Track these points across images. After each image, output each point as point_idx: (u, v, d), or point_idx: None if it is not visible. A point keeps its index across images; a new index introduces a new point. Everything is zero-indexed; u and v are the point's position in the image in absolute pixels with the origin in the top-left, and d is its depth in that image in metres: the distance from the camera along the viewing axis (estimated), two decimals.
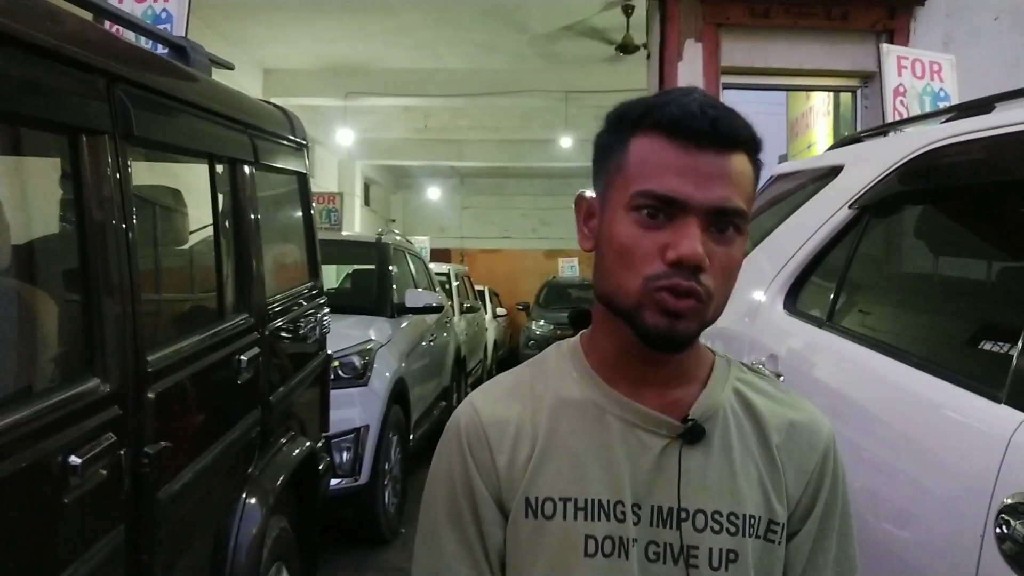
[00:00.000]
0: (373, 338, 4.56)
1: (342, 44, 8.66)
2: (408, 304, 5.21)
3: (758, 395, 0.91)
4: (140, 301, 1.52)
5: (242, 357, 2.11)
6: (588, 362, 0.90)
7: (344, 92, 9.40)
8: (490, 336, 11.97)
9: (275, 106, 2.83)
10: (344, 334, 4.51)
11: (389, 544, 4.39)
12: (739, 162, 0.80)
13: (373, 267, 5.54)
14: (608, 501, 0.84)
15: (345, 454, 4.05)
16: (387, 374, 4.52)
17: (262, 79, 9.22)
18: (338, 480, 3.99)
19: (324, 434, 3.40)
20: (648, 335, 0.81)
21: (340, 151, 13.23)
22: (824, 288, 2.39)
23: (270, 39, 8.56)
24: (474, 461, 0.87)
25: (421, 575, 0.90)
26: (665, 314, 0.79)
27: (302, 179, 3.01)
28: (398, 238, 6.71)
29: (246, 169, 2.26)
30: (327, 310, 3.26)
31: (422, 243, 13.43)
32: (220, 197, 2.12)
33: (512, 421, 0.88)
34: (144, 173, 1.78)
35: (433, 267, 8.88)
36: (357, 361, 4.25)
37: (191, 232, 2.05)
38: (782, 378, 2.25)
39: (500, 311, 13.76)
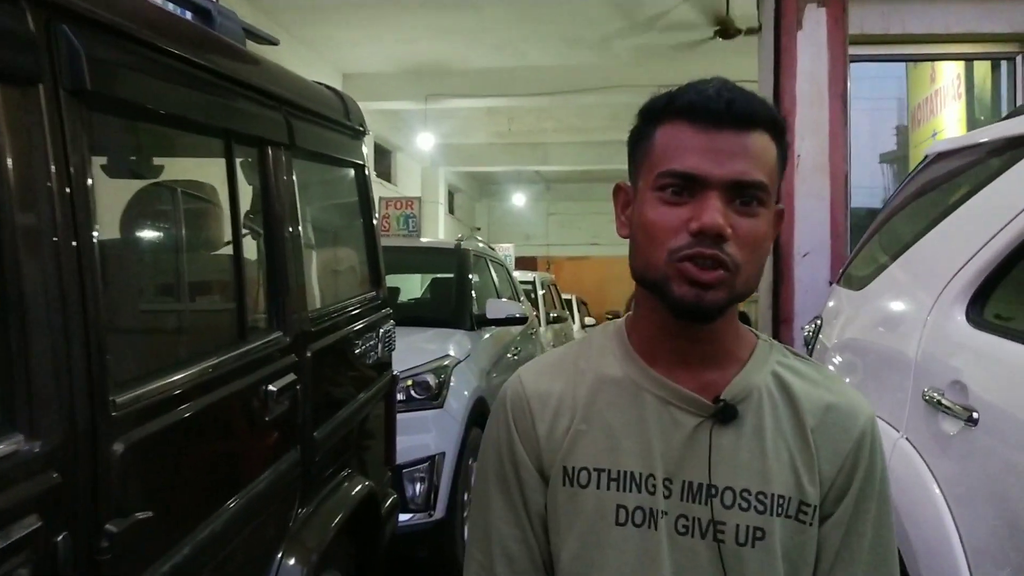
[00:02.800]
0: (451, 353, 4.12)
1: (422, 44, 8.33)
2: (489, 315, 4.76)
3: (797, 378, 0.92)
4: (96, 328, 1.09)
5: (271, 387, 1.68)
6: (630, 342, 0.94)
7: (425, 94, 9.08)
8: None
9: (325, 86, 2.41)
10: (419, 349, 4.10)
11: None
12: (758, 140, 0.84)
13: (452, 276, 5.12)
14: (640, 474, 0.88)
15: (418, 485, 3.61)
16: (466, 393, 4.06)
17: (342, 84, 8.99)
18: (410, 515, 3.55)
19: (391, 466, 2.96)
20: (676, 305, 0.84)
21: (423, 158, 12.97)
22: None
23: (348, 42, 8.31)
24: (517, 430, 0.93)
25: (473, 532, 0.97)
26: (692, 284, 0.82)
27: (359, 171, 2.58)
28: (480, 245, 6.29)
29: (278, 153, 1.84)
30: (392, 323, 2.83)
31: (506, 251, 13.07)
32: (240, 187, 1.69)
33: (554, 394, 0.94)
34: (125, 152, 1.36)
35: (517, 275, 8.45)
36: (431, 380, 3.80)
37: (203, 233, 1.62)
38: (976, 415, 1.67)
39: (589, 320, 13.27)
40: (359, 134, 2.56)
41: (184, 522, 1.35)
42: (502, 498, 0.93)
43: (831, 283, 3.55)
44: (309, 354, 1.95)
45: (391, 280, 5.97)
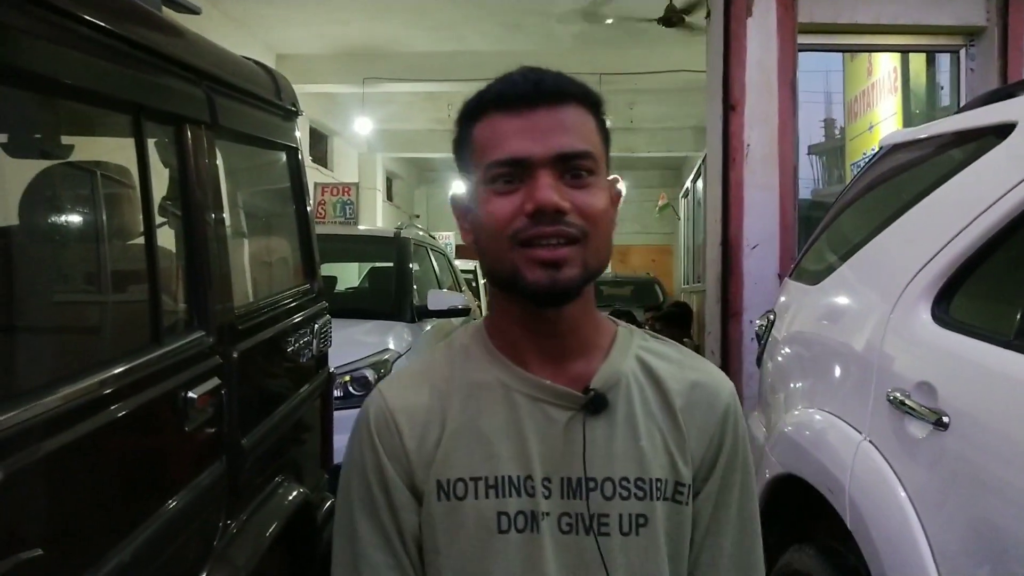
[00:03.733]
0: (391, 347, 3.95)
1: (359, 25, 8.06)
2: (431, 307, 4.60)
3: (660, 360, 0.93)
4: None
5: (191, 394, 1.50)
6: (492, 344, 0.92)
7: (361, 77, 8.80)
8: None
9: (254, 62, 2.21)
10: (357, 342, 3.92)
11: None
12: (574, 113, 0.85)
13: (391, 265, 4.93)
14: (519, 477, 0.86)
15: None
16: None
17: (275, 65, 8.65)
18: None
19: (329, 468, 2.79)
20: (532, 292, 0.83)
21: (360, 143, 12.66)
22: (1006, 291, 1.73)
23: (282, 20, 7.98)
24: (384, 449, 0.88)
25: (339, 568, 0.89)
26: (543, 267, 0.81)
27: (292, 155, 2.39)
28: (420, 233, 6.11)
29: (198, 132, 1.65)
30: (328, 317, 2.65)
31: (447, 239, 12.87)
32: (157, 170, 1.50)
33: (421, 406, 0.90)
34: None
35: (459, 264, 8.29)
36: (370, 375, 3.64)
37: (109, 224, 1.43)
38: (947, 419, 1.59)
39: None
40: (291, 115, 2.37)
41: (84, 558, 1.17)
42: (370, 525, 0.88)
43: (781, 276, 3.51)
44: (236, 354, 1.77)
45: (327, 269, 5.78)
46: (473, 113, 0.88)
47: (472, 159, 0.87)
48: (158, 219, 1.57)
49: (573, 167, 0.83)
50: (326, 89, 9.38)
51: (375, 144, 12.82)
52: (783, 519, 2.35)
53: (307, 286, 2.51)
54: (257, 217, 2.23)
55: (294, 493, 2.17)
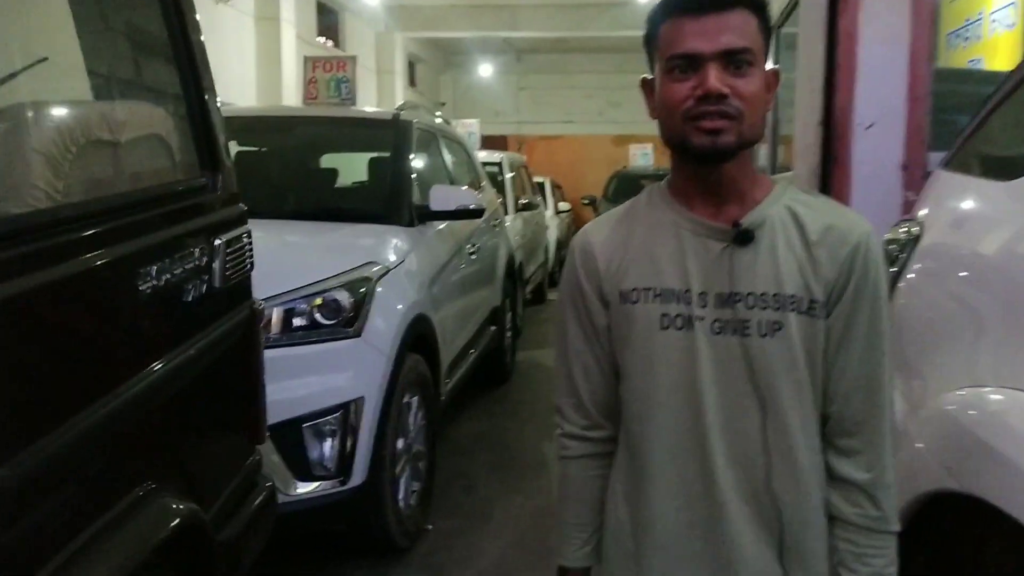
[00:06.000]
0: (376, 260, 3.09)
1: None
2: (433, 207, 3.70)
3: (805, 208, 1.17)
4: None
5: None
6: (670, 194, 1.20)
7: None
8: (551, 234, 10.51)
9: None
10: (332, 253, 3.08)
11: (409, 551, 3.05)
12: (738, 16, 1.09)
13: (387, 156, 4.01)
14: (679, 289, 1.16)
15: (327, 444, 2.64)
16: (399, 307, 3.07)
17: None
18: (316, 484, 2.61)
19: (260, 440, 1.98)
20: (697, 152, 1.11)
21: (377, 21, 11.47)
22: None
23: None
24: (583, 268, 1.23)
25: (557, 352, 1.30)
26: (706, 133, 1.08)
27: None
28: (438, 120, 5.14)
29: None
30: (244, 229, 1.78)
31: (470, 128, 11.80)
32: None
33: (611, 238, 1.23)
34: None
35: (482, 156, 7.31)
36: (344, 298, 2.77)
37: None
38: None
39: (563, 206, 12.25)
40: None
41: None
42: (576, 322, 1.24)
43: (906, 168, 2.53)
44: None
45: (328, 161, 4.84)
46: (659, 17, 1.12)
47: (656, 52, 1.13)
48: None
49: (735, 60, 1.07)
50: None
51: (392, 22, 11.61)
52: (932, 546, 1.51)
53: (202, 182, 1.63)
54: (64, 71, 1.32)
55: (165, 515, 1.36)
